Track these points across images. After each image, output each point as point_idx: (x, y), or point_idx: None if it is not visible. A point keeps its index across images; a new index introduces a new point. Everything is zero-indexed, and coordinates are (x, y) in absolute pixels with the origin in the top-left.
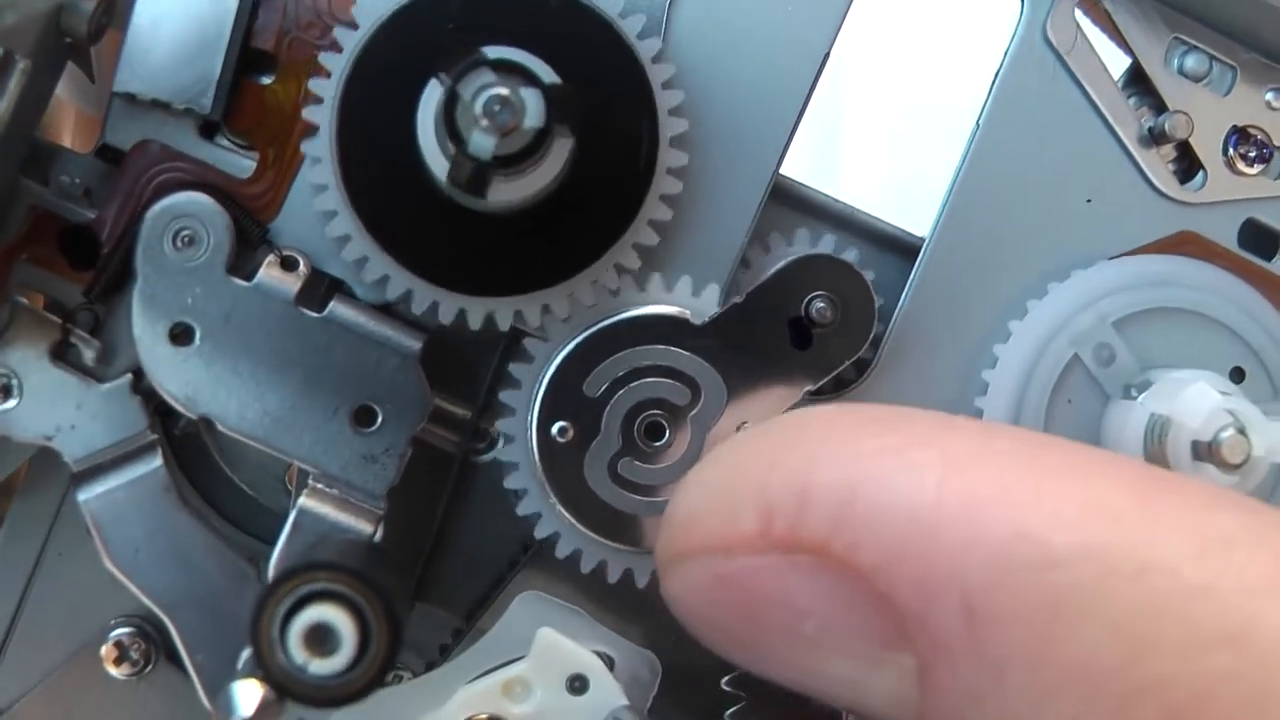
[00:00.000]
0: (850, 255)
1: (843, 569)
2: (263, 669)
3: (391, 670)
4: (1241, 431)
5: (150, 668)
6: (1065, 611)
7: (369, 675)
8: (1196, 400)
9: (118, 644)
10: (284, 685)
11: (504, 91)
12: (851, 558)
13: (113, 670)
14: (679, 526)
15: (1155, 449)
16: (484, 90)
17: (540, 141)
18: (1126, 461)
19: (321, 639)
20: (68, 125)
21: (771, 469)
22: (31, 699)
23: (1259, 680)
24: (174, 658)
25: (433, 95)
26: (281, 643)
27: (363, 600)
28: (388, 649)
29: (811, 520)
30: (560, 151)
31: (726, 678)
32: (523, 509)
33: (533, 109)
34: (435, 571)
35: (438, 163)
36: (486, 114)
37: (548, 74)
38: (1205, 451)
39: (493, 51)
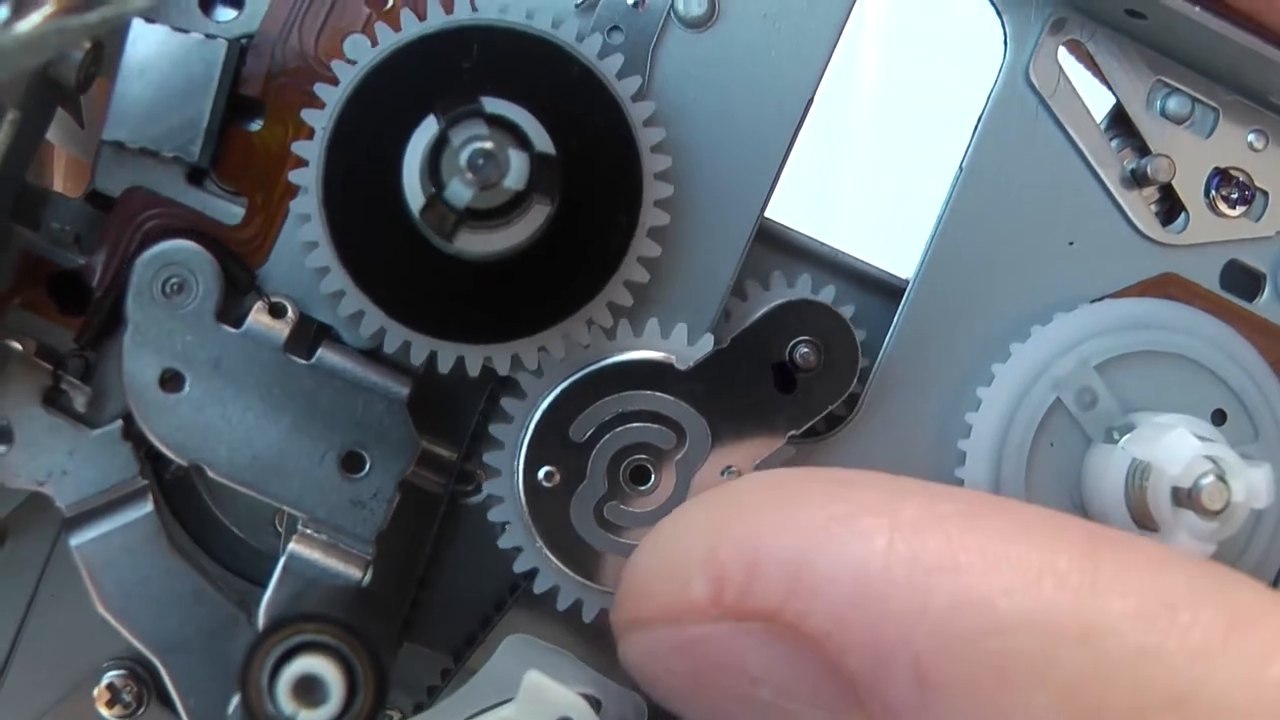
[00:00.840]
0: (827, 294)
1: (795, 636)
2: (252, 718)
3: (380, 715)
4: (1221, 478)
5: (143, 710)
6: (1012, 678)
7: None
8: (1176, 447)
9: (110, 686)
10: None
11: (491, 147)
12: (803, 625)
13: (105, 712)
14: (633, 594)
15: (1136, 493)
16: (473, 142)
17: (517, 203)
18: (1074, 523)
19: (310, 690)
20: (58, 168)
21: (721, 537)
22: None
23: None
24: (166, 700)
25: (424, 133)
26: (270, 693)
27: (350, 651)
28: (374, 699)
29: (762, 588)
30: (536, 216)
31: None
32: (504, 542)
33: (516, 171)
34: (424, 612)
35: (415, 196)
36: (470, 166)
37: (541, 139)
38: (1185, 498)
39: (491, 104)
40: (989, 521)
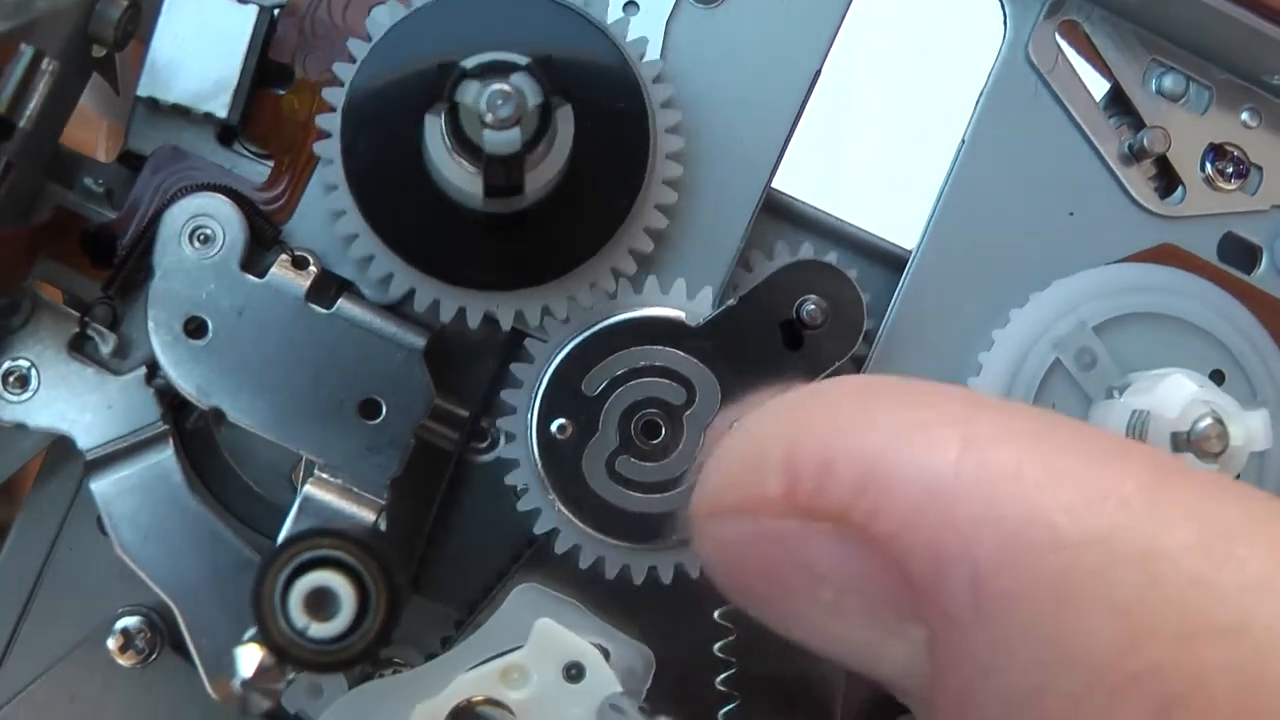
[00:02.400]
0: (830, 258)
1: (861, 536)
2: (264, 632)
3: (389, 638)
4: (1219, 420)
5: (155, 656)
6: (1069, 594)
7: (367, 640)
8: (1173, 392)
9: (124, 632)
10: (284, 648)
11: (500, 86)
12: (870, 525)
13: (119, 658)
14: (711, 486)
15: None
16: (481, 94)
17: (548, 116)
18: (1140, 449)
19: (322, 603)
20: (101, 142)
21: (800, 435)
22: (39, 684)
23: (1251, 673)
24: (179, 648)
25: (434, 125)
26: (283, 606)
27: (362, 567)
28: (386, 615)
29: (834, 487)
30: (566, 122)
31: (719, 644)
32: (523, 505)
33: (529, 89)
34: (436, 567)
35: (463, 181)
36: (491, 110)
37: (520, 58)
38: (1184, 442)
39: (469, 61)
40: (1062, 440)
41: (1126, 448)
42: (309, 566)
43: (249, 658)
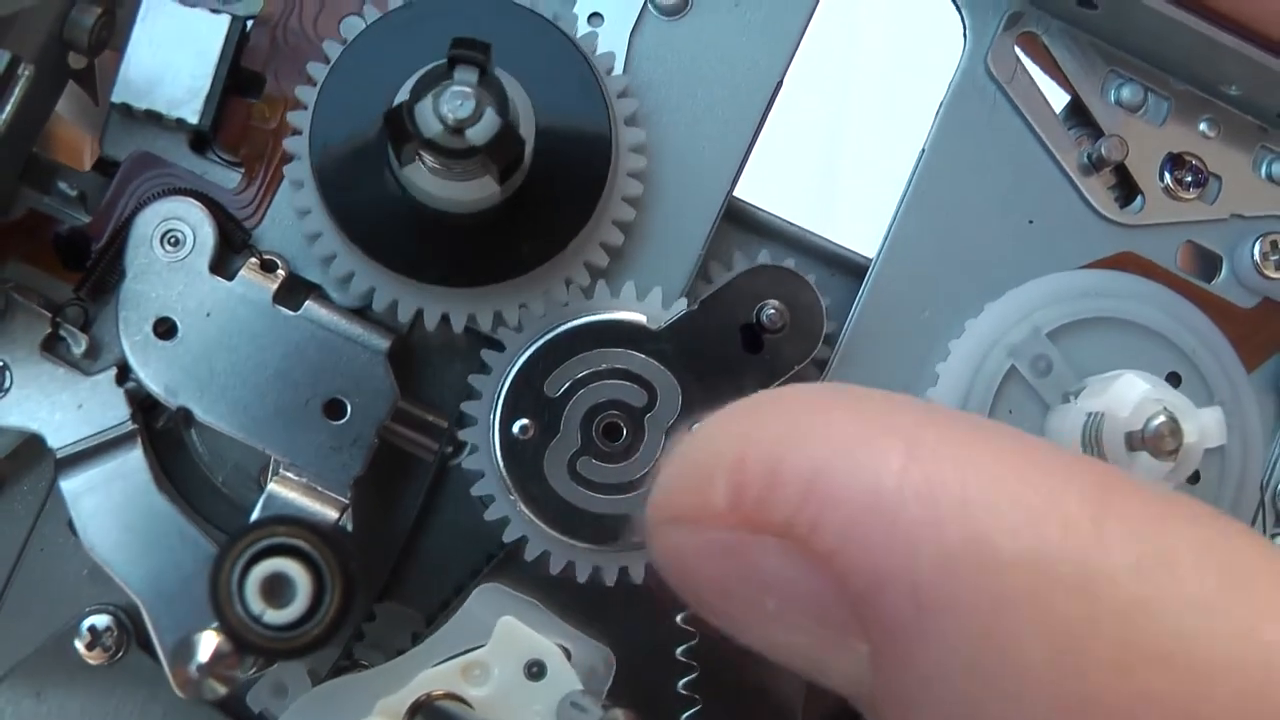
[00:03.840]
0: (789, 264)
1: (804, 551)
2: (220, 617)
3: (344, 627)
4: (1173, 419)
5: (123, 655)
6: (1007, 617)
7: (322, 627)
8: (1125, 391)
9: (92, 630)
10: (240, 633)
11: (478, 95)
12: (812, 540)
13: (86, 655)
14: (663, 492)
15: (1092, 447)
16: (436, 109)
17: (468, 157)
18: (1090, 466)
19: (278, 590)
20: (87, 157)
21: (749, 444)
22: (5, 682)
23: (1187, 702)
24: (146, 646)
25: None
26: (239, 592)
27: (319, 555)
28: (340, 603)
29: (778, 499)
30: (485, 184)
31: (680, 614)
32: (490, 514)
33: (483, 129)
34: (408, 572)
35: (425, 182)
36: (450, 98)
37: (526, 120)
38: (1139, 441)
39: (403, 94)
40: (1007, 454)
41: (1072, 463)
42: (266, 554)
43: (206, 643)
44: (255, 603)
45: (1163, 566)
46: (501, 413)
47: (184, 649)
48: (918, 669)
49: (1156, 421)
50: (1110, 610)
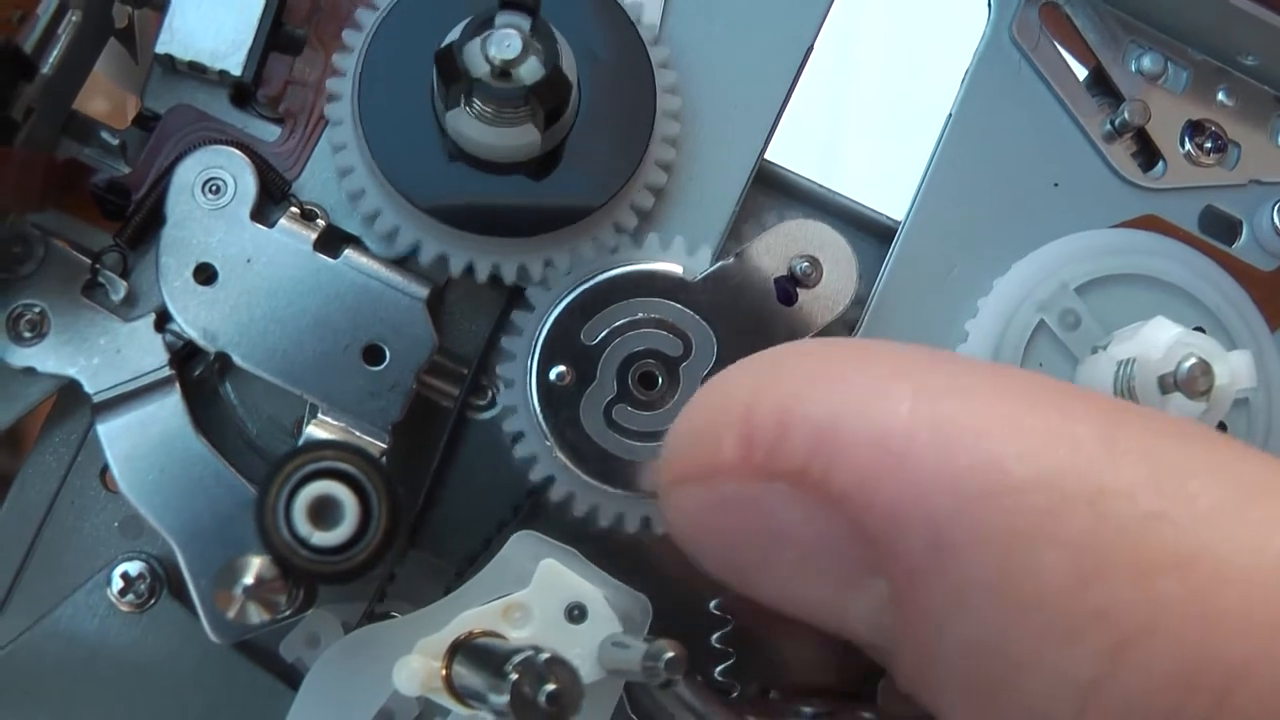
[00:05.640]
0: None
1: (818, 496)
2: (266, 540)
3: (390, 552)
4: (1203, 360)
5: (155, 602)
6: (1022, 537)
7: (369, 552)
8: (1156, 334)
9: (124, 576)
10: (286, 556)
11: (525, 39)
12: (826, 484)
13: (118, 602)
14: (672, 453)
15: (1125, 394)
16: (485, 49)
17: (515, 102)
18: (1094, 395)
19: (325, 512)
20: (127, 114)
21: (754, 399)
22: (37, 628)
23: (1207, 605)
24: (179, 594)
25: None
26: (286, 514)
27: (366, 479)
28: (388, 527)
29: (789, 448)
30: (526, 131)
31: (714, 601)
32: (519, 451)
33: (529, 70)
34: (435, 523)
35: (473, 130)
36: (500, 53)
37: (569, 64)
38: (1171, 384)
39: (453, 35)
40: (1014, 389)
41: (1079, 394)
42: (314, 476)
43: (251, 567)
44: (302, 525)
45: (1175, 481)
46: (539, 358)
47: (229, 572)
48: (939, 601)
49: (1189, 363)
50: (1126, 521)
